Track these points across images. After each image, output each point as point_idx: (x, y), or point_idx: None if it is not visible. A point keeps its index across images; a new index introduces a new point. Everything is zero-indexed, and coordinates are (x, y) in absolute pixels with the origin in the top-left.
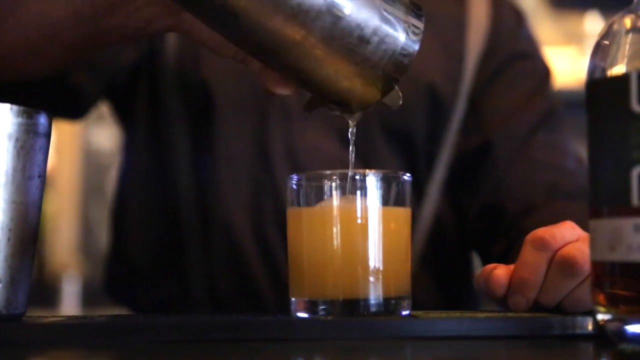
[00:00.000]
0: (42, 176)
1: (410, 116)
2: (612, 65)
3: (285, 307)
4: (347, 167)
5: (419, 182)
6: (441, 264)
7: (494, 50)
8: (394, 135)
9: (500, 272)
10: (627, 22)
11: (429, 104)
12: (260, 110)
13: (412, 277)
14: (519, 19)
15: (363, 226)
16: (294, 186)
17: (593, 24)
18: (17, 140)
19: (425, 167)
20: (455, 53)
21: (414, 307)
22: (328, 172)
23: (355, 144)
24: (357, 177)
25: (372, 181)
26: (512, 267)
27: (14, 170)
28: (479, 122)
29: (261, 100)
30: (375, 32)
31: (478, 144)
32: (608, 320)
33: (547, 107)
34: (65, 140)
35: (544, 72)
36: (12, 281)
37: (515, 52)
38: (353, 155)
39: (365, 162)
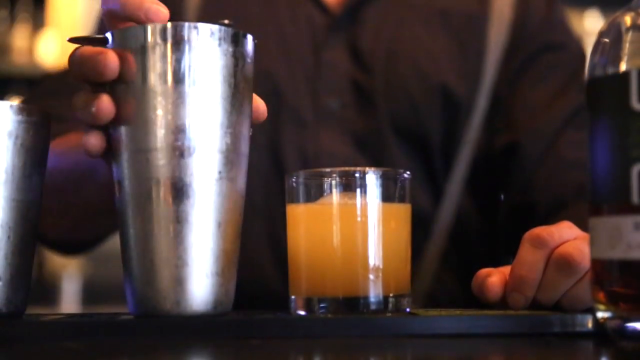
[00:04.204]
0: (42, 174)
1: (423, 117)
2: (612, 63)
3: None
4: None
5: (437, 182)
6: (464, 261)
7: (520, 44)
8: (407, 137)
9: (494, 279)
10: (627, 19)
11: (443, 104)
12: (273, 117)
13: (434, 275)
14: (549, 6)
15: (363, 224)
16: (294, 184)
17: (593, 21)
18: (17, 137)
19: (443, 167)
20: (474, 51)
21: (435, 305)
22: (328, 169)
23: (368, 148)
24: (357, 174)
25: (372, 178)
26: (506, 271)
27: (14, 167)
28: (506, 121)
29: (274, 107)
30: None
31: (506, 142)
32: (608, 318)
33: (576, 103)
34: None
35: (577, 61)
36: (12, 279)
37: (544, 44)
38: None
39: (379, 165)
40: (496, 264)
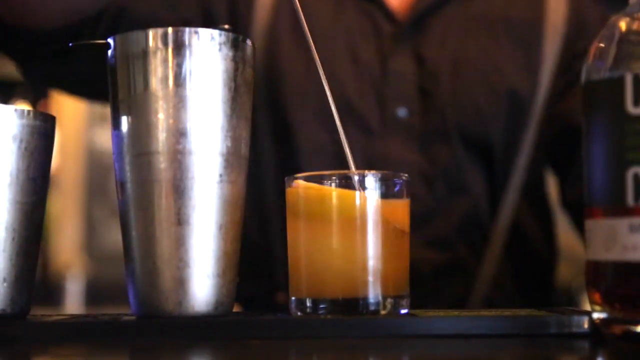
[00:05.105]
0: (46, 176)
1: (488, 124)
2: (608, 67)
3: None
4: (428, 177)
5: (496, 189)
6: (521, 266)
7: (575, 59)
8: (472, 143)
9: None
10: (623, 24)
11: (509, 110)
12: (341, 125)
13: (492, 280)
14: (606, 19)
15: (361, 225)
16: (293, 187)
17: None
18: (21, 141)
19: (503, 174)
20: (535, 57)
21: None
22: (327, 172)
23: (435, 155)
24: (356, 177)
25: (371, 181)
26: None
27: (19, 170)
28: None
29: (342, 115)
30: None
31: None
32: (604, 319)
33: None
34: (69, 141)
35: None
36: (17, 280)
37: None
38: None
39: (446, 172)
40: (553, 268)
